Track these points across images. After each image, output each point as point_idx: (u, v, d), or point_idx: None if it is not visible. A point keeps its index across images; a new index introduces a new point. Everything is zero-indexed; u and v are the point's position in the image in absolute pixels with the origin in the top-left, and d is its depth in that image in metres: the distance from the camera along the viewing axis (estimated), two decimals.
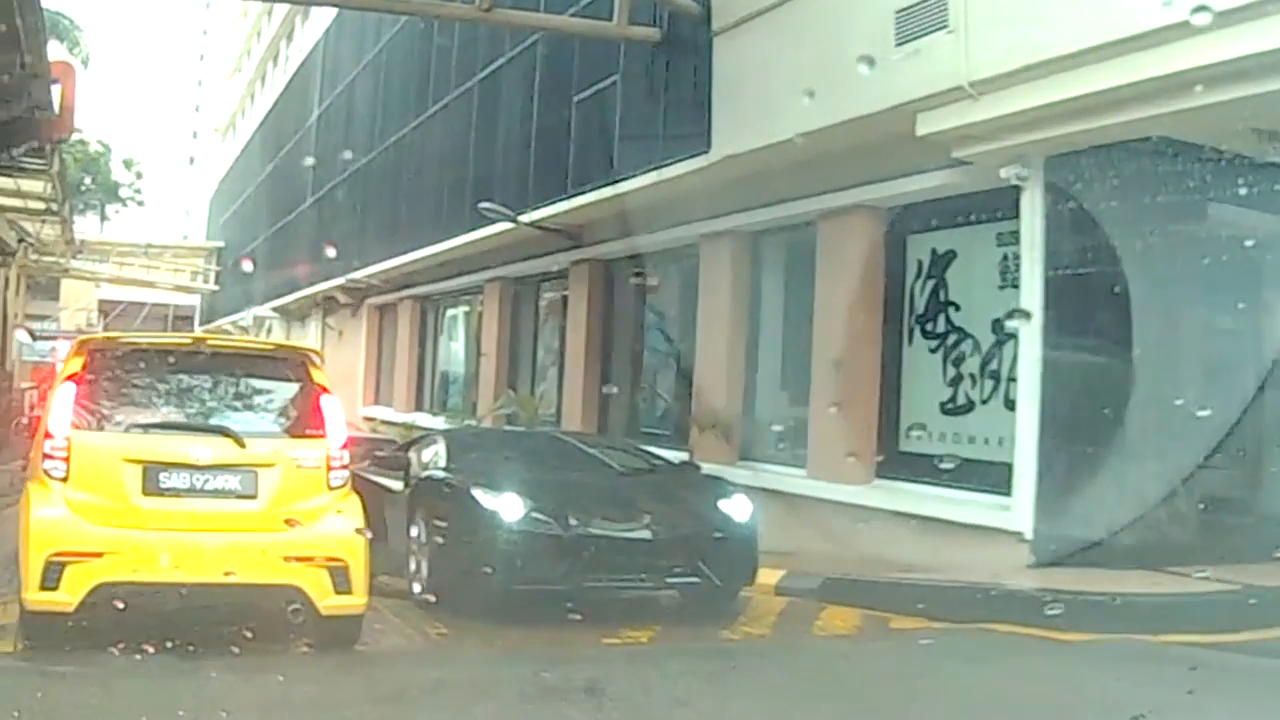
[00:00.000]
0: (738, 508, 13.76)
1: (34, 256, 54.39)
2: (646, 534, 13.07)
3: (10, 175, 37.29)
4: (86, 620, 10.33)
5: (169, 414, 11.37)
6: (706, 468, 16.51)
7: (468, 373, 32.63)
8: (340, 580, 10.88)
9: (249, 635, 10.67)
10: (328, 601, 10.85)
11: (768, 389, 19.62)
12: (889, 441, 16.72)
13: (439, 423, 29.66)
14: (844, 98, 15.04)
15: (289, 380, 11.87)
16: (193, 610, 10.69)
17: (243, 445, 10.98)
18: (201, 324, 78.93)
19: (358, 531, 11.16)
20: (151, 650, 9.98)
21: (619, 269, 23.85)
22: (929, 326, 16.44)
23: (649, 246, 21.93)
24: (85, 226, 74.96)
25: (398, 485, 15.11)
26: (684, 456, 18.12)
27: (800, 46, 16.02)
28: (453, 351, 35.10)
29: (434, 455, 15.31)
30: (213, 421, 11.33)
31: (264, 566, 10.73)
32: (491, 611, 12.62)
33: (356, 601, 11.05)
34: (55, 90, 29.64)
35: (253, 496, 10.93)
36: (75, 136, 69.78)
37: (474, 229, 27.13)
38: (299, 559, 10.82)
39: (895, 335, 16.80)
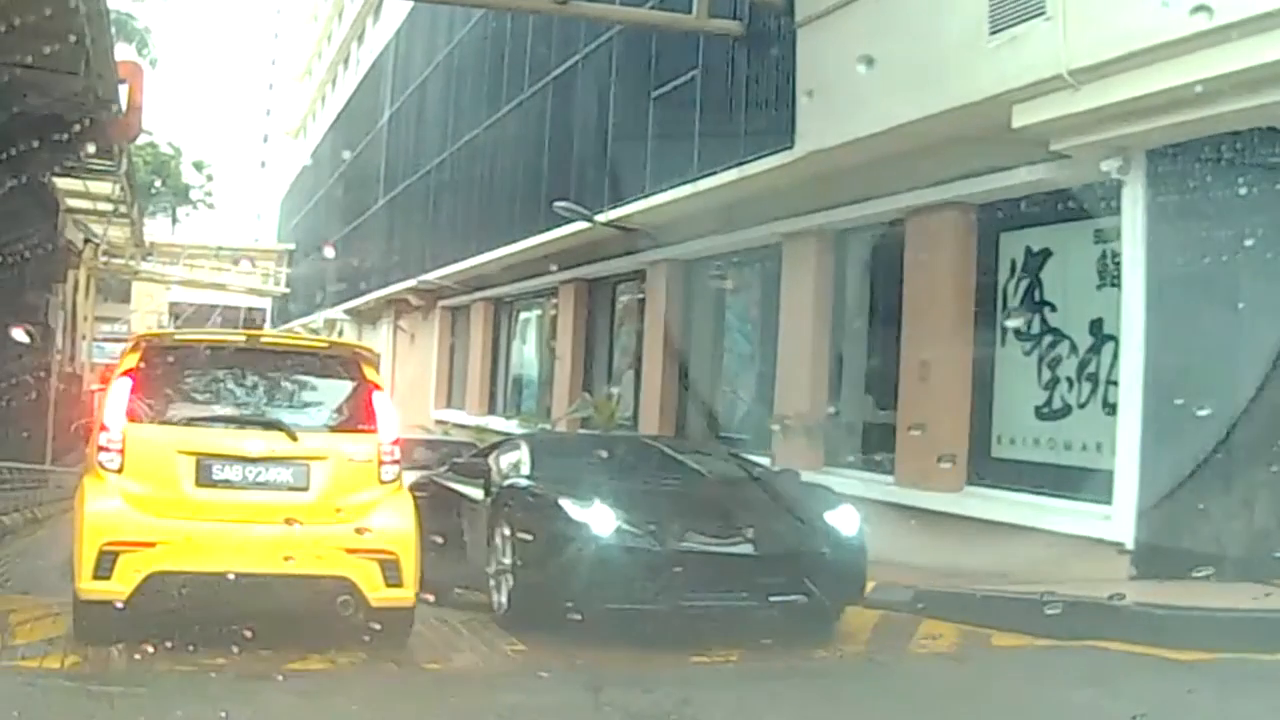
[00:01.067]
0: (845, 520, 12.75)
1: (104, 259, 54.59)
2: (749, 549, 12.01)
3: (78, 177, 37.41)
4: (137, 631, 10.36)
5: (222, 408, 11.69)
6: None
7: (541, 376, 32.50)
8: (391, 573, 11.11)
9: (304, 648, 10.76)
10: (378, 594, 11.06)
11: (853, 392, 19.15)
12: (980, 447, 16.22)
13: (512, 426, 29.42)
14: (935, 89, 14.60)
15: (341, 377, 12.13)
16: (248, 620, 10.52)
17: (295, 439, 11.21)
18: (273, 327, 79.13)
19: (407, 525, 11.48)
20: (205, 666, 9.91)
21: (698, 269, 23.50)
22: (1023, 328, 15.90)
23: (729, 246, 21.59)
24: (156, 229, 75.50)
25: (478, 494, 14.26)
26: (770, 462, 17.28)
27: (889, 37, 15.50)
28: (526, 354, 34.92)
29: (516, 462, 14.39)
30: (265, 415, 11.57)
31: (315, 558, 10.95)
32: (577, 631, 11.32)
33: (407, 594, 11.27)
34: (122, 90, 29.64)
35: (304, 489, 11.16)
36: (144, 139, 70.60)
37: (549, 229, 26.97)
38: (350, 551, 11.03)
39: (987, 337, 16.23)
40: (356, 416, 11.77)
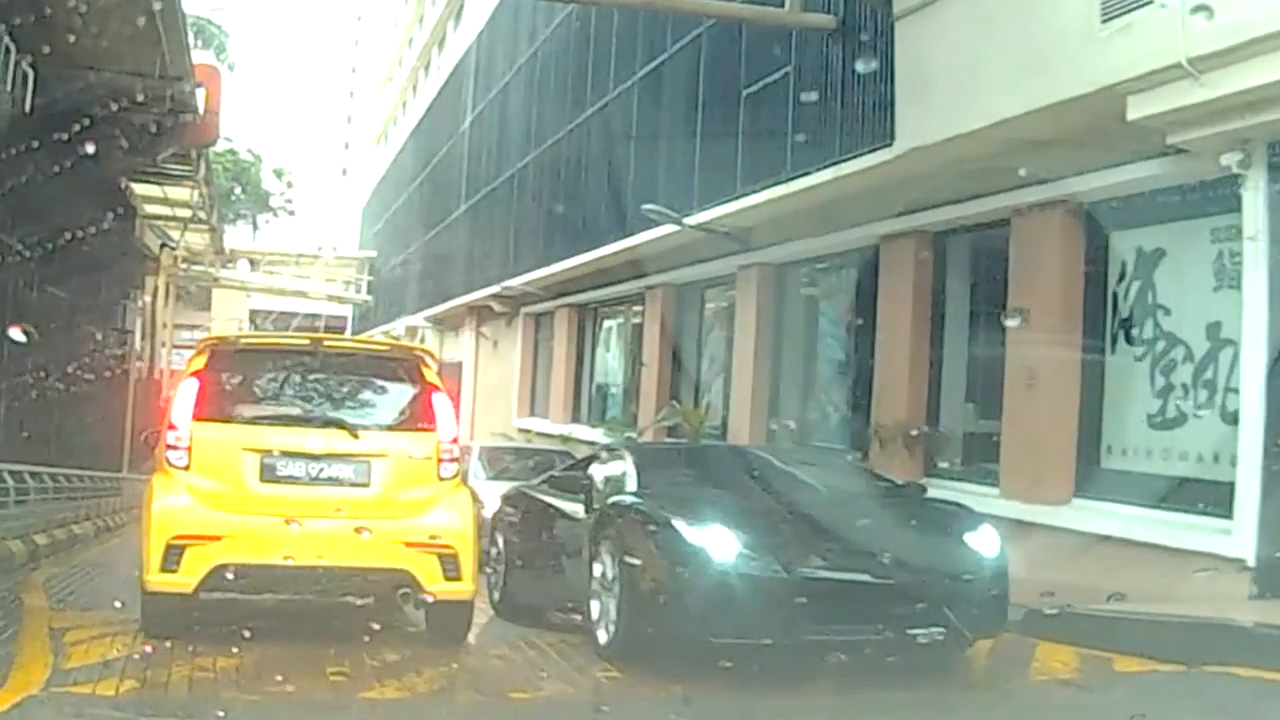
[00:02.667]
0: (985, 542, 11.65)
1: (183, 265, 54.82)
2: (885, 576, 10.86)
3: (156, 182, 37.45)
4: (197, 653, 10.59)
5: (286, 407, 12.31)
6: None
7: (627, 383, 32.16)
8: (450, 567, 11.67)
9: (379, 672, 10.63)
10: (437, 587, 11.63)
11: (953, 400, 18.66)
12: (1089, 457, 15.68)
13: (597, 435, 29.11)
14: (1043, 81, 14.09)
15: (402, 378, 12.72)
16: (311, 641, 11.04)
17: (356, 436, 11.80)
18: (353, 334, 79.41)
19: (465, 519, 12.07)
20: (273, 694, 9.75)
21: (790, 273, 23.08)
22: (1134, 332, 15.36)
23: (823, 249, 21.15)
24: (236, 236, 75.89)
25: (577, 510, 13.10)
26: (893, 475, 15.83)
27: (994, 27, 15.02)
28: (611, 361, 34.63)
29: (619, 475, 13.18)
30: (328, 414, 12.16)
31: (376, 551, 11.48)
32: (678, 658, 10.79)
33: (465, 588, 11.88)
34: (199, 94, 29.55)
35: (365, 485, 11.72)
36: (223, 145, 71.06)
37: (635, 233, 26.57)
38: (410, 545, 11.58)
39: (1096, 342, 15.73)
40: (416, 416, 12.32)
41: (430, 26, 65.47)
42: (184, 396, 11.75)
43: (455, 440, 12.35)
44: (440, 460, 12.05)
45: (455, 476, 12.27)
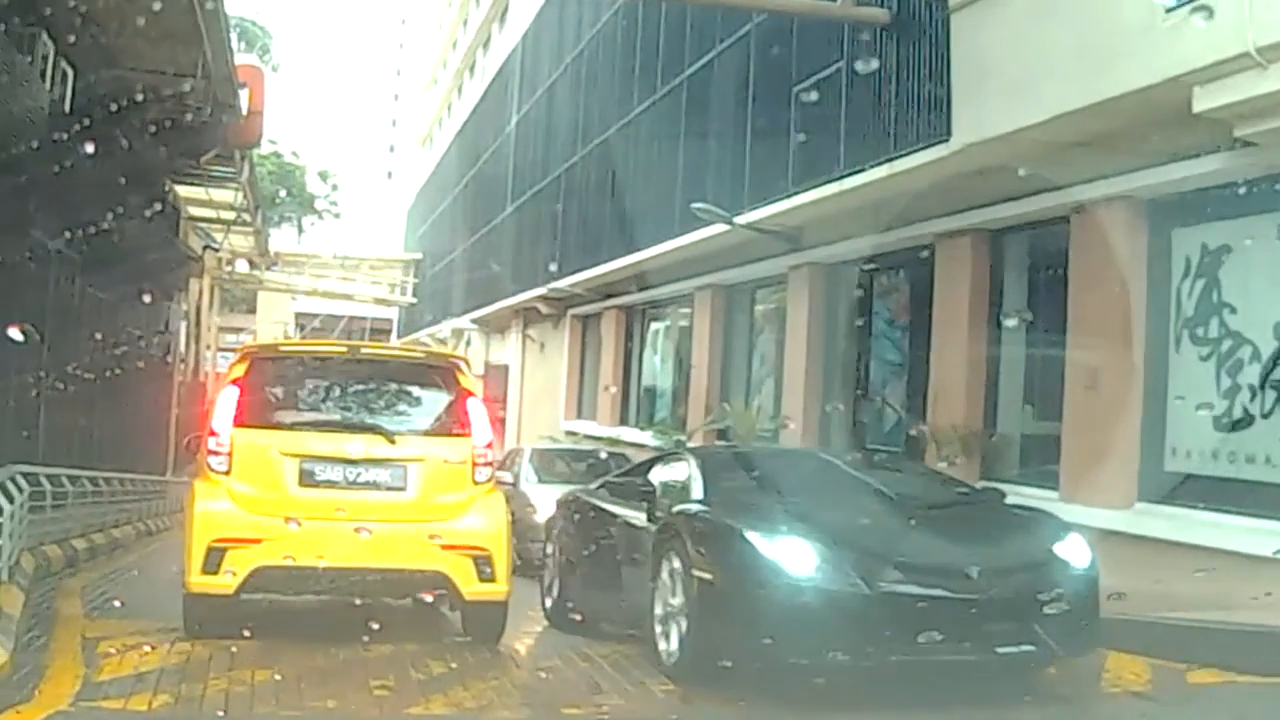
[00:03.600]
0: (1075, 552, 10.96)
1: (227, 268, 54.95)
2: (974, 591, 10.22)
3: (200, 184, 37.46)
4: (234, 665, 10.62)
5: (324, 413, 12.73)
6: None
7: (676, 385, 31.91)
8: (484, 568, 12.14)
9: (425, 687, 10.49)
10: (472, 588, 12.11)
11: (1011, 402, 18.34)
12: (1153, 460, 15.31)
13: (646, 438, 28.87)
14: (1105, 73, 13.76)
15: (437, 384, 13.12)
16: (352, 650, 11.14)
17: (393, 441, 12.22)
18: (399, 337, 79.80)
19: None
20: (314, 709, 9.73)
21: (842, 273, 22.77)
22: (1199, 331, 14.98)
23: (877, 248, 20.79)
24: (281, 239, 76.13)
25: (639, 518, 12.62)
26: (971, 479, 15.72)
27: (1053, 18, 14.72)
28: (659, 363, 34.39)
29: (683, 481, 12.65)
30: (365, 420, 12.60)
31: (412, 553, 11.97)
32: (742, 674, 10.33)
33: (499, 589, 12.31)
34: (242, 94, 29.50)
35: (402, 489, 12.19)
36: (268, 148, 71.33)
37: (683, 233, 26.34)
38: (445, 547, 12.03)
39: (1160, 341, 15.39)
40: (451, 421, 12.77)
41: (475, 28, 65.64)
42: (225, 403, 12.19)
43: (490, 445, 12.78)
44: (475, 465, 12.50)
45: (489, 481, 12.70)
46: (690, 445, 21.86)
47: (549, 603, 15.05)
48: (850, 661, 9.93)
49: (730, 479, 12.67)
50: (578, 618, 14.05)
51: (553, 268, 38.68)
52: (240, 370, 12.57)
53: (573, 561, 14.57)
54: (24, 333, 18.36)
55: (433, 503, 12.27)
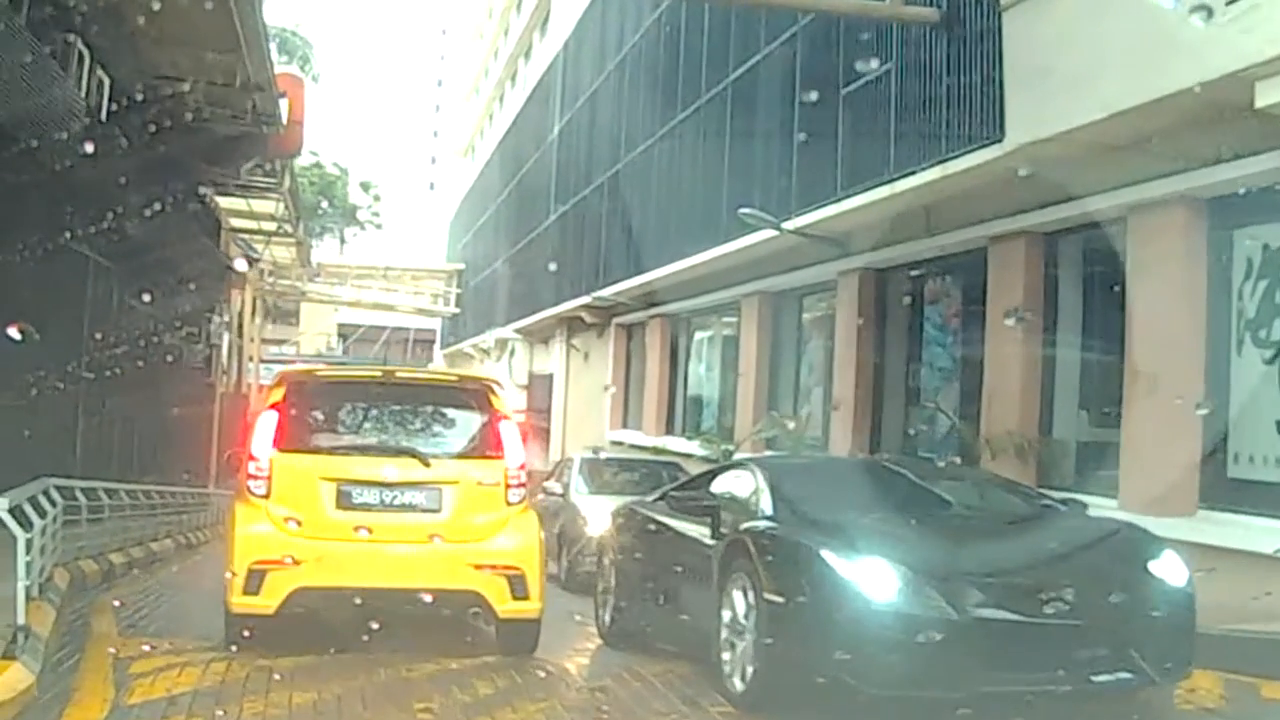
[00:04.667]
0: (1172, 570, 10.29)
1: (270, 280, 55.02)
2: (1070, 615, 9.58)
3: (241, 195, 37.47)
4: (272, 686, 10.68)
5: (361, 437, 13.20)
6: None
7: (723, 394, 31.66)
8: (518, 587, 12.50)
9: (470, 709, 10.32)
10: (506, 606, 12.49)
11: (1067, 407, 18.05)
12: (1215, 466, 14.95)
13: (693, 447, 28.65)
14: (1163, 69, 13.47)
15: (471, 407, 13.46)
16: (394, 670, 11.22)
17: (428, 465, 12.60)
18: (442, 347, 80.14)
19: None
20: None
21: (893, 278, 22.54)
22: (1262, 334, 14.65)
23: (927, 252, 20.59)
24: (324, 251, 76.34)
25: (702, 533, 12.14)
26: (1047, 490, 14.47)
27: (1109, 13, 14.43)
28: (705, 371, 34.15)
29: (750, 495, 12.06)
30: (400, 444, 12.95)
31: (447, 573, 12.37)
32: (804, 693, 9.89)
33: (532, 607, 12.67)
34: (282, 104, 29.43)
35: (437, 511, 12.53)
36: (310, 159, 71.56)
37: (729, 240, 26.16)
38: (479, 567, 12.44)
39: (1221, 344, 15.03)
40: (485, 444, 13.11)
41: (516, 37, 65.82)
42: (263, 428, 12.62)
43: (522, 467, 13.09)
44: (508, 486, 12.83)
45: (521, 501, 12.98)
46: (749, 456, 20.92)
47: (604, 620, 14.78)
48: (934, 693, 9.48)
49: (799, 492, 12.03)
50: (635, 637, 13.82)
51: (597, 276, 38.56)
52: (278, 395, 12.98)
53: (630, 578, 14.24)
54: (60, 344, 18.25)
55: (467, 523, 12.59)
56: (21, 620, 11.53)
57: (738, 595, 10.87)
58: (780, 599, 10.22)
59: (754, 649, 10.45)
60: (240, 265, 43.17)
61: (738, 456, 21.42)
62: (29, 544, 12.71)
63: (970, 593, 9.63)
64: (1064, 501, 12.62)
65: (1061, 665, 9.50)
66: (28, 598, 12.12)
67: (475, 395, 13.62)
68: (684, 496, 13.27)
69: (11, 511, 12.50)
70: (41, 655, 11.14)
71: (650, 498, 15.23)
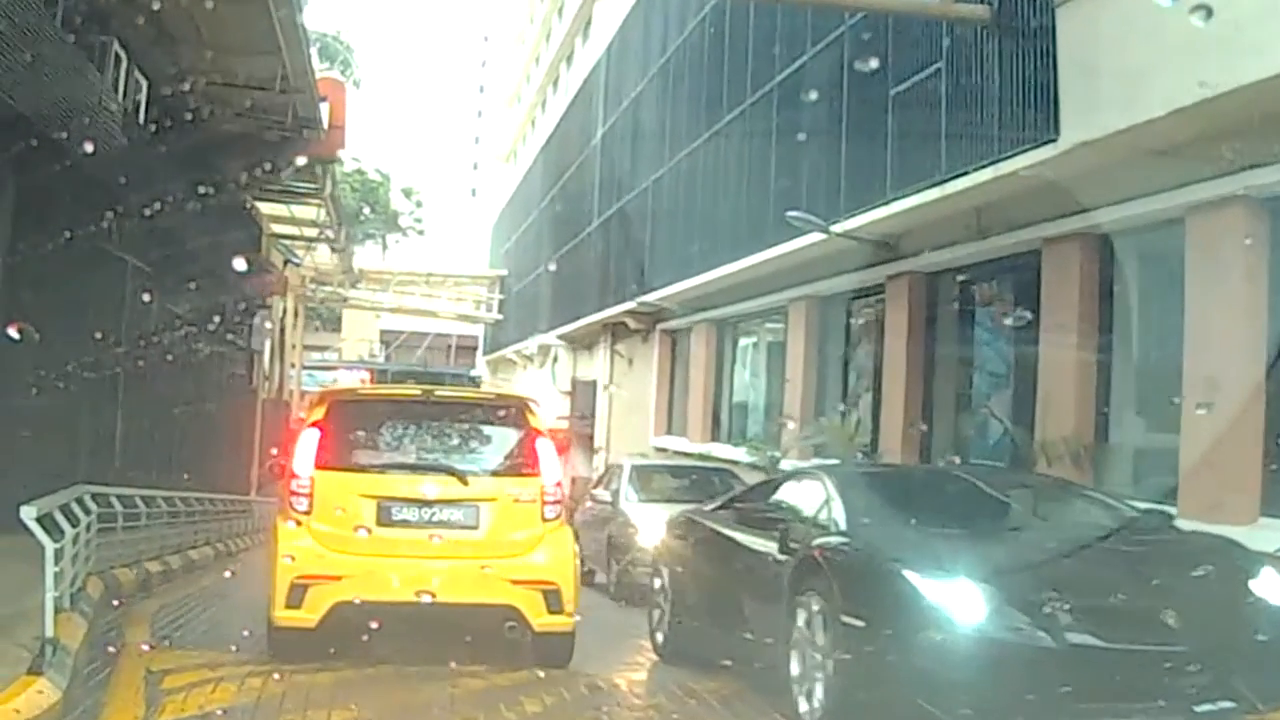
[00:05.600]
0: (1273, 589, 9.70)
1: (312, 286, 55.07)
2: (1171, 642, 8.98)
3: (282, 201, 37.46)
4: (310, 703, 10.59)
5: (400, 455, 13.48)
6: None
7: (769, 400, 31.41)
8: (553, 601, 12.79)
9: None
10: (541, 620, 12.75)
11: (1123, 413, 17.71)
12: (1277, 473, 14.58)
13: (739, 454, 28.33)
14: (1226, 64, 13.17)
15: (508, 425, 13.80)
16: (437, 686, 11.20)
17: (465, 482, 12.94)
18: (485, 353, 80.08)
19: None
20: None
21: (944, 281, 22.25)
22: None
23: (979, 255, 20.28)
24: (366, 257, 76.43)
25: (769, 548, 11.61)
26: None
27: (1166, 7, 14.07)
28: (752, 377, 33.87)
29: (820, 507, 11.56)
30: (439, 462, 13.29)
31: (484, 588, 12.67)
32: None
33: (567, 620, 12.95)
34: (323, 108, 29.35)
35: (474, 527, 12.89)
36: (352, 165, 71.64)
37: (775, 244, 25.96)
38: (515, 582, 12.75)
39: None
40: (522, 461, 13.44)
41: (558, 42, 65.72)
42: (305, 446, 13.02)
43: (559, 484, 13.48)
44: (544, 502, 13.16)
45: (557, 518, 13.27)
46: (817, 464, 20.27)
47: (659, 635, 14.56)
48: None
49: (872, 504, 11.59)
50: (694, 655, 13.55)
51: (642, 282, 38.38)
52: (320, 413, 13.39)
53: (688, 591, 13.95)
54: (98, 350, 18.13)
55: (503, 539, 12.96)
56: (50, 632, 11.24)
57: (810, 616, 10.41)
58: (858, 622, 9.67)
59: (826, 672, 9.96)
60: (281, 270, 43.11)
61: (806, 465, 20.78)
62: (58, 553, 12.47)
63: (1063, 617, 9.07)
64: (1149, 513, 12.22)
65: (1162, 695, 8.97)
66: (57, 609, 11.88)
67: (512, 413, 13.93)
68: (747, 507, 12.95)
69: (41, 520, 12.25)
70: (70, 669, 10.86)
71: (709, 506, 14.90)
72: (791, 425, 22.90)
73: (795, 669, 10.53)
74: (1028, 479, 15.39)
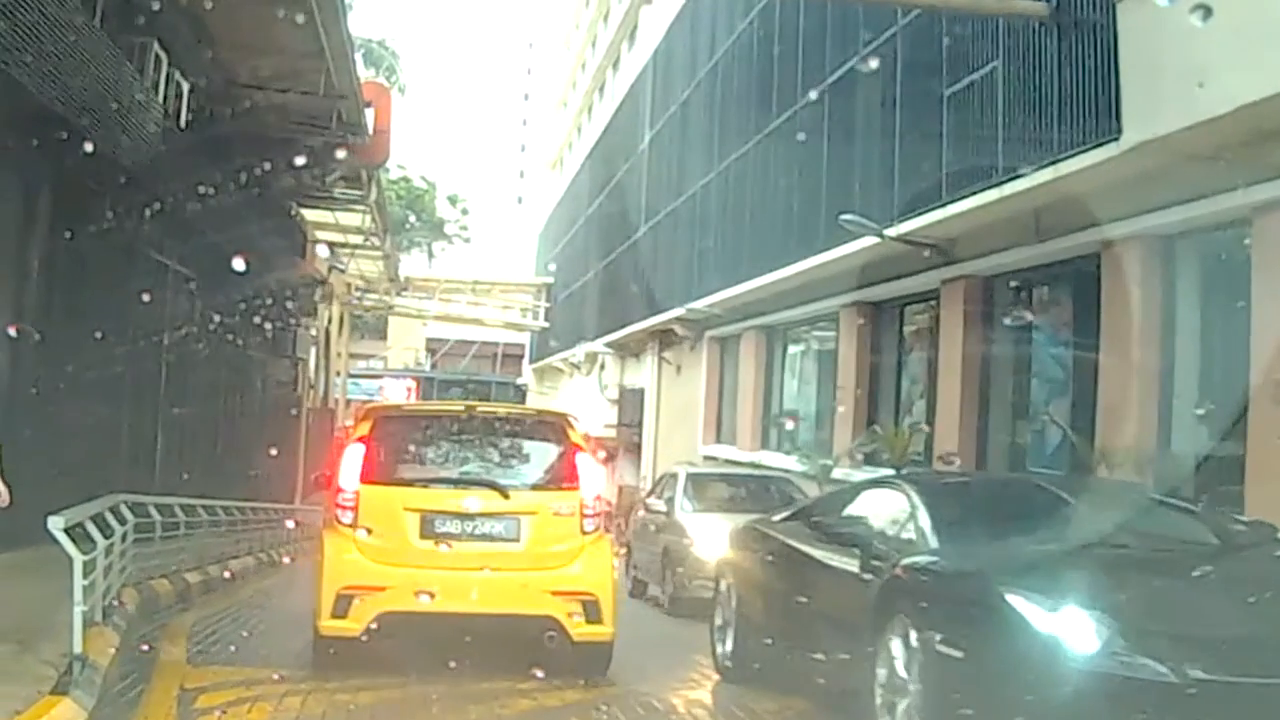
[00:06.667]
0: None
1: (357, 294, 55.06)
2: None
3: (327, 208, 37.35)
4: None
5: (443, 469, 13.85)
6: None
7: (820, 407, 31.10)
8: (592, 612, 13.12)
9: None
10: (580, 630, 13.06)
11: (1186, 420, 17.24)
12: None
13: (790, 462, 28.00)
14: None
15: (548, 440, 14.19)
16: (483, 707, 11.11)
17: (507, 496, 13.29)
18: (531, 361, 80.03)
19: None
20: None
21: (1000, 286, 21.87)
22: None
23: (1036, 258, 19.91)
24: (411, 264, 76.51)
25: (848, 565, 10.78)
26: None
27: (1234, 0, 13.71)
28: (801, 384, 33.55)
29: (904, 521, 10.80)
30: (481, 476, 13.61)
31: (525, 599, 13.03)
32: None
33: (605, 631, 13.26)
34: (368, 114, 29.18)
35: (515, 539, 13.25)
36: (397, 173, 71.69)
37: (827, 249, 25.68)
38: (555, 593, 13.07)
39: None
40: (561, 475, 13.79)
41: (604, 48, 65.63)
42: (351, 460, 13.38)
43: (598, 498, 13.77)
44: (583, 516, 13.47)
45: (597, 530, 13.64)
46: (899, 473, 19.45)
47: (722, 652, 14.09)
48: None
49: (960, 517, 10.82)
50: (761, 676, 13.08)
51: (690, 288, 38.14)
52: (365, 429, 13.80)
53: (753, 608, 13.43)
54: (137, 357, 17.95)
55: (544, 552, 13.31)
56: (78, 648, 11.06)
57: (898, 642, 9.49)
58: (954, 652, 8.83)
59: (916, 704, 9.16)
60: (326, 277, 43.05)
61: (883, 474, 20.04)
62: (89, 565, 12.23)
63: (1187, 648, 8.12)
64: (1253, 524, 11.44)
65: None
66: (88, 623, 11.61)
67: (552, 429, 14.39)
68: (821, 519, 12.23)
69: (70, 530, 11.97)
70: (98, 688, 10.53)
71: (776, 517, 14.27)
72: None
73: (879, 698, 9.68)
74: (1114, 489, 14.39)
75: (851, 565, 10.72)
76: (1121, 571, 9.30)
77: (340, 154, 27.92)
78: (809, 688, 11.78)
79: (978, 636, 8.74)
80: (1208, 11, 11.05)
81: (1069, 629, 8.18)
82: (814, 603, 11.78)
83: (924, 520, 10.61)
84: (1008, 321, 21.44)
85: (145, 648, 13.65)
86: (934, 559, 10.05)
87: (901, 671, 9.37)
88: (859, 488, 13.52)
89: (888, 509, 11.31)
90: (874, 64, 23.92)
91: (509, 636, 13.28)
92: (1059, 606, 8.31)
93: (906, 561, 10.04)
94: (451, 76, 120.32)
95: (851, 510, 12.10)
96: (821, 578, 11.58)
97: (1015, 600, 8.50)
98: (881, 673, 9.64)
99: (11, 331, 13.29)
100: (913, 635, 9.27)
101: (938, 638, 8.97)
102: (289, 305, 36.74)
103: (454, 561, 12.96)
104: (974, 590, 9.11)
